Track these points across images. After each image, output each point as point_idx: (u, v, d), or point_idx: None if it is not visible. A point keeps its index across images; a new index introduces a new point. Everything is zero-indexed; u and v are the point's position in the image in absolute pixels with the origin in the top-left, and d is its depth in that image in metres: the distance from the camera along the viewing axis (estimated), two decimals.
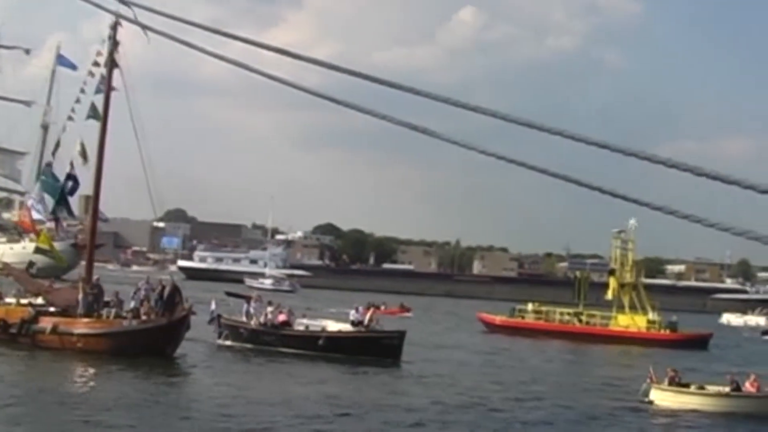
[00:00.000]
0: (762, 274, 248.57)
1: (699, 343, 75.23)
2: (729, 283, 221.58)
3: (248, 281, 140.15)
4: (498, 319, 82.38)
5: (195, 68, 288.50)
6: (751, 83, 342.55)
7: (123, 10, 11.20)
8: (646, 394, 38.20)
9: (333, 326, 50.18)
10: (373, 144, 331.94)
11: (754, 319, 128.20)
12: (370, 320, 50.12)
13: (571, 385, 44.47)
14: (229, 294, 54.78)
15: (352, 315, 51.17)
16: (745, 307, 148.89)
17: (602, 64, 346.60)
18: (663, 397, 37.68)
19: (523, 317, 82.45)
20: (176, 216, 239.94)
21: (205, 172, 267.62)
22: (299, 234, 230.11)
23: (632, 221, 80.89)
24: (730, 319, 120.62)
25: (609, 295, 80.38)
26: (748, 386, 37.57)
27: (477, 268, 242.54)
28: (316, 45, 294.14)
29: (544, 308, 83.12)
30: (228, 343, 49.32)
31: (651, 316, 78.72)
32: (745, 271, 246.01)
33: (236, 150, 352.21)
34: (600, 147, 4.81)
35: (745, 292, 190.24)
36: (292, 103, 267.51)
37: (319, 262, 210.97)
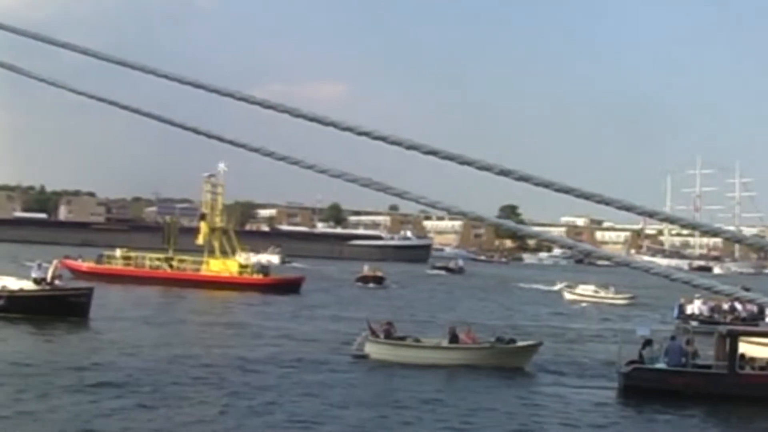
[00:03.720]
0: (353, 218, 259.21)
1: (291, 287, 77.35)
2: (320, 227, 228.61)
3: None
4: (85, 265, 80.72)
5: None
6: (344, 28, 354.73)
7: None
8: (361, 347, 38.33)
9: (14, 284, 47.45)
10: None
11: (266, 257, 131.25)
12: (54, 277, 48.06)
13: (266, 338, 44.44)
14: None
15: (34, 272, 48.63)
16: (381, 253, 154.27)
17: (193, 5, 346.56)
18: (379, 351, 37.91)
19: (111, 263, 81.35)
20: None
21: None
22: None
23: (222, 165, 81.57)
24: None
25: (200, 240, 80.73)
26: (464, 338, 38.56)
27: (63, 213, 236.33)
28: None
29: (133, 254, 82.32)
30: None
31: (243, 260, 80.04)
32: (336, 215, 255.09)
33: None
34: (195, 87, 4.77)
35: (380, 238, 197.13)
36: None
37: None
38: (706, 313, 58.85)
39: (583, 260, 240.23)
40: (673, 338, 35.83)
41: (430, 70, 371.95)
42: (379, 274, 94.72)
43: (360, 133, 4.13)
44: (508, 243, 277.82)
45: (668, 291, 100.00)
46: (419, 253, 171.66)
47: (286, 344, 42.05)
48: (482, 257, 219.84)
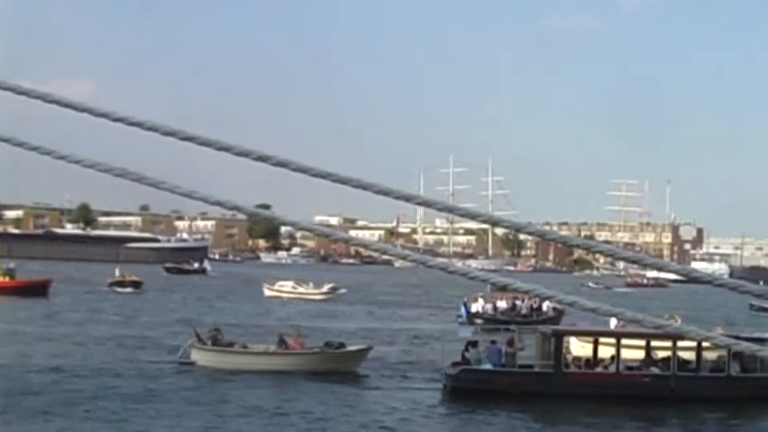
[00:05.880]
0: (103, 219, 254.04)
1: (38, 289, 75.35)
2: (70, 228, 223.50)
3: None
4: None
5: None
6: (94, 24, 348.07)
7: None
8: (187, 354, 37.56)
9: None
10: None
11: None
12: None
13: (83, 344, 43.38)
14: None
15: None
16: (157, 256, 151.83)
17: None
18: (206, 358, 37.27)
19: None
20: None
21: None
22: None
23: None
24: None
25: None
26: (293, 343, 38.24)
27: None
28: None
29: None
30: None
31: None
32: (85, 215, 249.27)
33: None
34: None
35: (157, 240, 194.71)
36: None
37: None
38: (490, 311, 60.93)
39: (327, 259, 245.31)
40: (493, 342, 36.34)
41: (186, 65, 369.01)
42: (134, 278, 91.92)
43: (116, 119, 4.11)
44: (262, 243, 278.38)
45: (379, 287, 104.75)
46: (196, 255, 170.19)
47: (83, 351, 41.37)
48: (216, 257, 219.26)
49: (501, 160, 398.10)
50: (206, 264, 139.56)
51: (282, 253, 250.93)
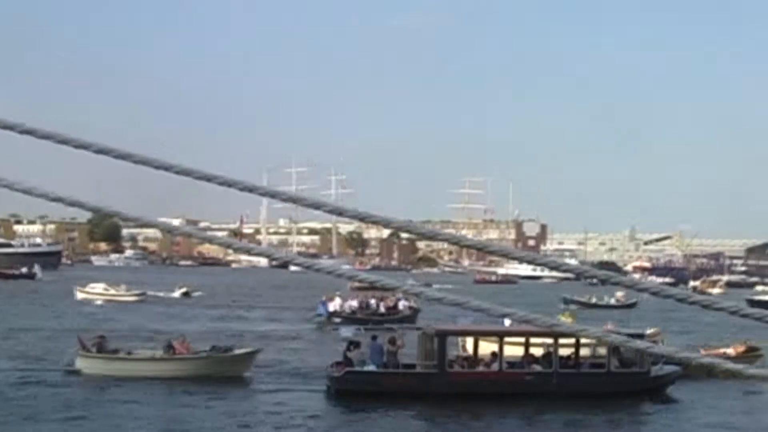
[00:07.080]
0: None
1: None
2: None
3: None
4: None
5: None
6: None
7: None
8: (71, 362, 36.69)
9: None
10: None
11: None
12: None
13: None
14: None
15: None
16: (11, 261, 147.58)
17: None
18: (91, 366, 36.39)
19: None
20: None
21: None
22: None
23: None
24: None
25: None
26: (179, 347, 37.52)
27: None
28: None
29: None
30: None
31: None
32: None
33: None
34: None
35: (10, 245, 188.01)
36: None
37: None
38: (347, 310, 61.65)
39: (166, 261, 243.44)
40: (374, 338, 36.65)
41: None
42: None
43: None
44: (103, 246, 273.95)
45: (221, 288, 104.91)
46: (50, 259, 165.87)
47: None
48: None
49: (344, 159, 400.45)
50: (36, 268, 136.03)
51: (114, 255, 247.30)
